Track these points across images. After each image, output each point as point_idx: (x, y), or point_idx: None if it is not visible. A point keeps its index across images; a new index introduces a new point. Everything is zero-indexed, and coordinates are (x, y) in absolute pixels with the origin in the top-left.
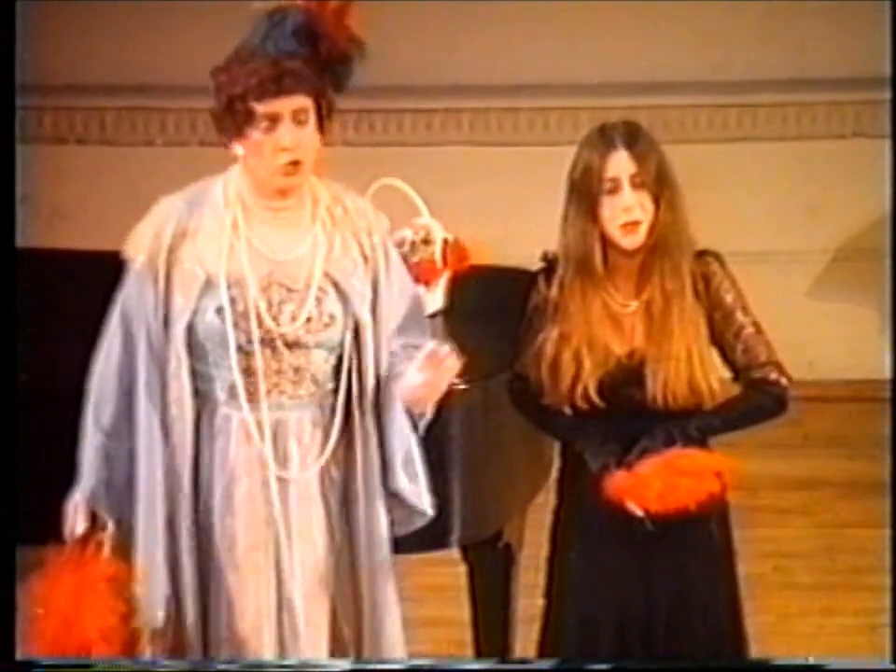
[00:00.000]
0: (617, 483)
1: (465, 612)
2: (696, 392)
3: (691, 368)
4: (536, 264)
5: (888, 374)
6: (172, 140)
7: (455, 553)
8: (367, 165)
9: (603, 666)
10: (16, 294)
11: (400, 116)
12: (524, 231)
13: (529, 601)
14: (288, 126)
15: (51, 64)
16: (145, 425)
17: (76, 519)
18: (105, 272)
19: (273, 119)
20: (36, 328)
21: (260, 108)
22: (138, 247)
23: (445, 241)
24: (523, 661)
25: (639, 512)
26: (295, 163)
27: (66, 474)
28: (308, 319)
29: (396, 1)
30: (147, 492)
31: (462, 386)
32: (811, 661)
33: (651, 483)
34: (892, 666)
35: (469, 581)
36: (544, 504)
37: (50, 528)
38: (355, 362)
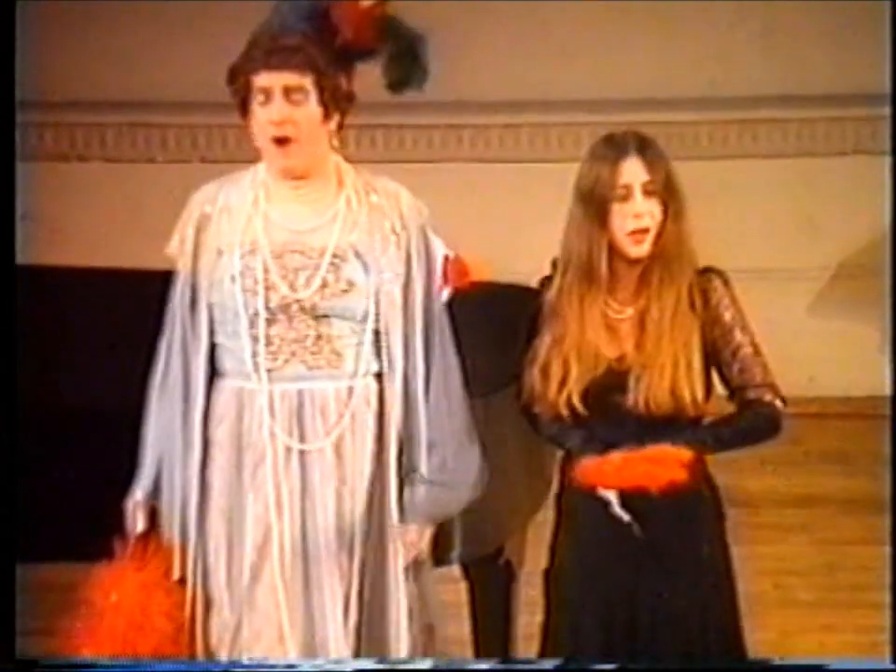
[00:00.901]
0: (584, 465)
1: (465, 629)
2: (678, 399)
3: (675, 375)
4: (536, 281)
5: (888, 391)
6: (173, 157)
7: (455, 569)
8: None
9: (605, 667)
10: (16, 311)
11: (401, 132)
12: (525, 248)
13: (530, 618)
14: (278, 102)
15: (52, 81)
16: (163, 402)
17: (136, 517)
18: (105, 288)
19: (267, 94)
20: (37, 344)
21: (256, 81)
22: (175, 236)
23: (446, 257)
24: (524, 661)
25: (613, 500)
26: (285, 140)
27: (65, 486)
28: (323, 285)
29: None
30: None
31: None
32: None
33: (612, 461)
34: (892, 666)
35: (469, 598)
36: (545, 521)
37: (51, 543)
38: (383, 337)
